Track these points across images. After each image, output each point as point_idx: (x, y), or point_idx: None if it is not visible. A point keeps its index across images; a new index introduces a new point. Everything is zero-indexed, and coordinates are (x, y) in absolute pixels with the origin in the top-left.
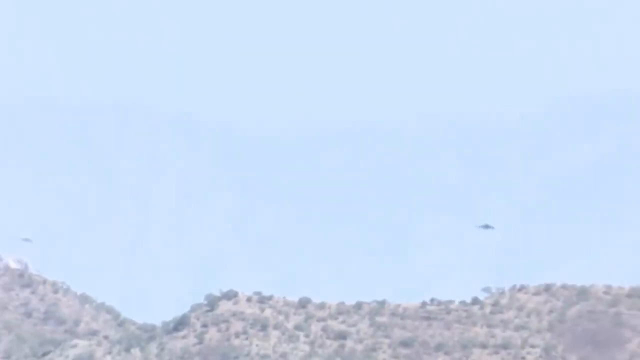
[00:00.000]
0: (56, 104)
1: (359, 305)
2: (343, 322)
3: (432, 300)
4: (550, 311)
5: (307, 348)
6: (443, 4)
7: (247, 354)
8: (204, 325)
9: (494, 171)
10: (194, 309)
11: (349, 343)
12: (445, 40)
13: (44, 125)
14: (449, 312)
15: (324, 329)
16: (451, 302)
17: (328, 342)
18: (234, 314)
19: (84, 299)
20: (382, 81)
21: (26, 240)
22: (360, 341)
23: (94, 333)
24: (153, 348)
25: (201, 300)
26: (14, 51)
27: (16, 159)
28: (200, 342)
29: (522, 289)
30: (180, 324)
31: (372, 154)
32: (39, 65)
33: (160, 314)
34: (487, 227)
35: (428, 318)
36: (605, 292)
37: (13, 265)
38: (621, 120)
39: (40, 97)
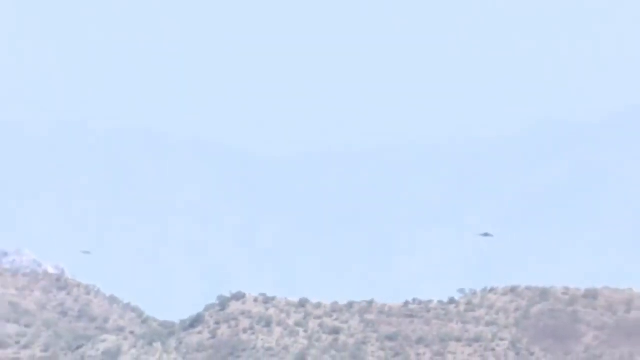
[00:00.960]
0: (84, 128)
1: (350, 305)
2: (337, 319)
3: (414, 300)
4: (516, 309)
5: (305, 342)
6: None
7: (254, 347)
8: (217, 323)
9: (467, 189)
10: (207, 308)
11: (342, 337)
12: (438, 60)
13: (70, 147)
14: (428, 311)
15: (320, 325)
16: (430, 301)
17: (324, 336)
18: (242, 313)
19: (113, 300)
20: (374, 110)
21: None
22: (352, 336)
23: (121, 329)
24: (172, 342)
25: (214, 300)
26: (31, 77)
27: (48, 179)
28: (213, 337)
29: (491, 290)
30: (195, 321)
31: (363, 173)
32: (67, 91)
33: (178, 313)
34: (486, 234)
35: (410, 315)
36: (564, 293)
37: (51, 270)
38: (585, 143)
39: (67, 121)
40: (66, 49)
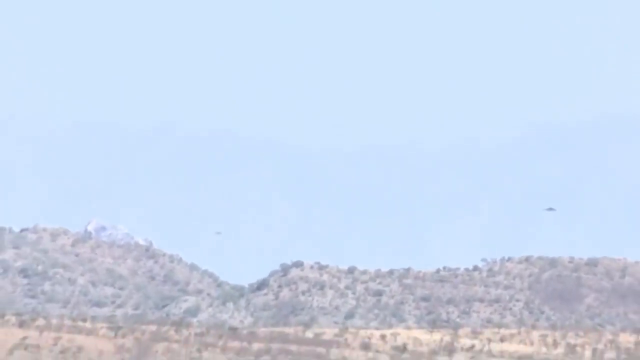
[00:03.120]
0: (171, 132)
1: (391, 271)
2: (380, 283)
3: (444, 267)
4: (529, 275)
5: (354, 302)
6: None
7: (310, 307)
8: (279, 286)
9: (486, 180)
10: (271, 274)
11: (384, 298)
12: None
13: (159, 146)
14: (456, 276)
15: (366, 289)
16: (458, 269)
17: (369, 297)
18: (301, 278)
19: (193, 267)
20: (408, 111)
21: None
22: (392, 297)
23: (199, 291)
24: (242, 302)
25: (277, 267)
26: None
27: (136, 176)
28: (277, 298)
29: (509, 259)
30: (262, 285)
31: (396, 167)
32: (152, 95)
33: (247, 278)
34: (550, 209)
35: (441, 280)
36: (569, 262)
37: (141, 242)
38: (585, 145)
39: (158, 125)
40: (154, 56)
